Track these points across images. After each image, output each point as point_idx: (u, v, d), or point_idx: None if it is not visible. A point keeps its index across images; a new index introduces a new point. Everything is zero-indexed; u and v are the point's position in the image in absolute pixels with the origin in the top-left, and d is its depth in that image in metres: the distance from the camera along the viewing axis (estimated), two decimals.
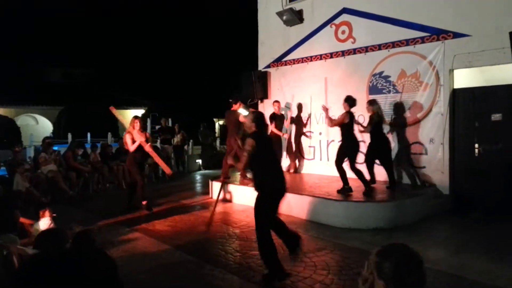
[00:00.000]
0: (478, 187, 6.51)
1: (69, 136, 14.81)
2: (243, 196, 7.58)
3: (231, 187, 7.90)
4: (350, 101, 6.49)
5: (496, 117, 6.39)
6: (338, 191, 6.52)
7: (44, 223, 4.58)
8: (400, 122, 7.33)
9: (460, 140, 6.80)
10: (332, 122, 6.69)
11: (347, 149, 6.52)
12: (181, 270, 4.40)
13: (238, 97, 8.24)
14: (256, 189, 4.11)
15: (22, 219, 5.01)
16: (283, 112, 8.96)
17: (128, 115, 24.87)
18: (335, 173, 8.35)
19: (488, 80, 6.56)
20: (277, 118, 8.57)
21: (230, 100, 7.95)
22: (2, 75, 21.31)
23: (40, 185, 8.11)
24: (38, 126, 22.28)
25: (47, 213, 4.71)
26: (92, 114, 19.33)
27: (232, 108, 7.89)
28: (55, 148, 9.64)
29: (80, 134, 15.41)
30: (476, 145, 6.62)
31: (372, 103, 6.67)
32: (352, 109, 8.11)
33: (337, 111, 8.30)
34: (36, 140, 13.84)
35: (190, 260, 4.66)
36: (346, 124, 6.39)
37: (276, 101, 8.75)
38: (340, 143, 6.78)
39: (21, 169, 7.54)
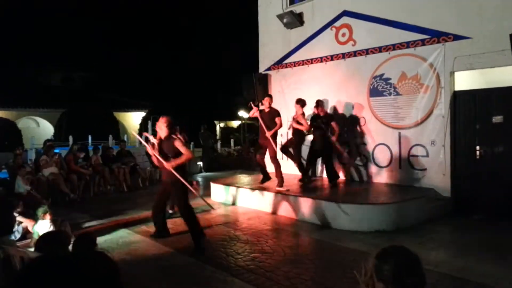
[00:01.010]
0: (480, 189, 6.50)
1: (70, 138, 14.82)
2: (245, 199, 7.58)
3: (233, 190, 7.90)
4: (301, 102, 7.70)
5: (497, 119, 6.39)
6: (300, 180, 7.73)
7: (45, 225, 4.58)
8: (400, 124, 7.33)
9: (461, 142, 6.80)
10: (302, 126, 7.62)
11: (300, 144, 7.93)
12: (182, 273, 4.40)
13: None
14: (177, 179, 5.14)
15: (24, 219, 5.02)
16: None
17: (129, 118, 24.97)
18: None
19: (489, 82, 6.55)
20: (320, 119, 7.39)
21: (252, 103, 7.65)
22: (3, 77, 21.37)
23: (41, 187, 8.13)
24: (39, 128, 22.27)
25: (47, 215, 4.71)
26: (93, 116, 19.35)
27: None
28: (56, 150, 9.65)
29: (81, 136, 15.43)
30: (477, 147, 6.61)
31: (321, 103, 7.53)
32: (354, 112, 8.16)
33: (336, 113, 8.32)
34: (37, 143, 13.85)
35: (192, 263, 4.66)
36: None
37: (320, 101, 7.56)
38: (291, 140, 8.01)
39: (22, 172, 7.55)
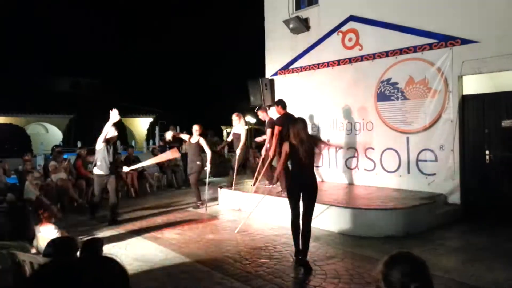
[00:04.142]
0: (490, 194, 6.42)
1: (79, 144, 14.95)
2: (252, 204, 7.56)
3: (240, 195, 7.89)
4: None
5: (506, 123, 6.33)
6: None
7: (49, 230, 4.54)
8: (408, 129, 7.28)
9: (470, 147, 6.73)
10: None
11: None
12: (190, 278, 4.39)
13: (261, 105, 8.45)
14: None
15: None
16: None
17: (137, 123, 25.15)
18: (343, 180, 8.34)
19: (498, 86, 6.50)
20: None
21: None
22: (11, 84, 21.67)
23: (50, 193, 8.18)
24: (48, 134, 22.51)
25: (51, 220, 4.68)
26: (101, 122, 19.51)
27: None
28: (65, 156, 9.74)
29: (89, 142, 15.54)
30: (487, 152, 6.54)
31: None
32: (361, 117, 8.12)
33: (344, 118, 8.30)
34: (46, 149, 13.99)
35: (199, 269, 4.65)
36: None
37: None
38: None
39: (31, 177, 7.62)
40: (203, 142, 7.94)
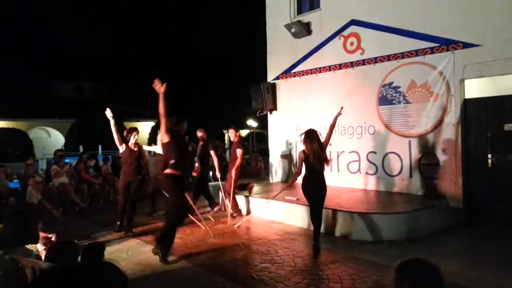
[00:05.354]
0: (493, 198, 6.39)
1: (81, 148, 15.01)
2: (255, 208, 7.55)
3: (241, 199, 7.88)
4: None
5: (509, 127, 6.31)
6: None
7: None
8: (410, 133, 7.27)
9: (472, 150, 6.71)
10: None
11: None
12: (191, 283, 4.37)
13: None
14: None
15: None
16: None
17: (138, 128, 25.16)
18: (345, 184, 8.32)
19: (501, 90, 6.48)
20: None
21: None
22: (15, 89, 21.78)
23: (52, 197, 8.19)
24: (50, 139, 22.59)
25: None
26: (103, 127, 19.57)
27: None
28: (67, 160, 9.75)
29: (91, 146, 15.59)
30: (489, 156, 6.52)
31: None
32: (363, 121, 8.11)
33: (346, 122, 8.29)
34: (48, 153, 14.03)
35: (200, 273, 4.63)
36: None
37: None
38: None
39: (33, 182, 7.62)
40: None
